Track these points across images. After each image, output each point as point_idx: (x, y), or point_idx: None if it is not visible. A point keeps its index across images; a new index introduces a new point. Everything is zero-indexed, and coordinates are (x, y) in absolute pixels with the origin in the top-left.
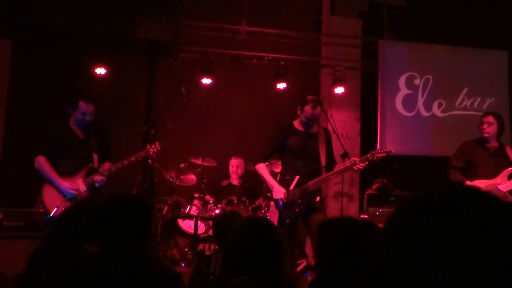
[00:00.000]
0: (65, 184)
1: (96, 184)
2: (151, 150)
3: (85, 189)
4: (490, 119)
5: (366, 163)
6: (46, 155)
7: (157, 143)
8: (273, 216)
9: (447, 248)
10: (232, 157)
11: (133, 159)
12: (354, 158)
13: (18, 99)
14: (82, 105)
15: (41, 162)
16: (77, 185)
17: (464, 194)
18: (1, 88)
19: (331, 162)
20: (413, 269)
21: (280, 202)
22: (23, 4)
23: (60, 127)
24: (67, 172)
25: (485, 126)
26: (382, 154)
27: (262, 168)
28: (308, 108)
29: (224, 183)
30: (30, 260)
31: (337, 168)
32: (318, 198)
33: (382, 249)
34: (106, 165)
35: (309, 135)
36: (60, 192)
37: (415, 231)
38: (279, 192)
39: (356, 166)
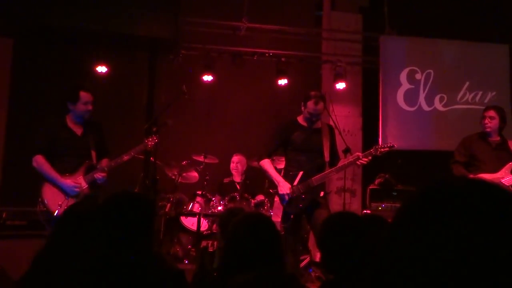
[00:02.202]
0: (68, 182)
1: (98, 182)
2: (149, 143)
3: (86, 187)
4: (492, 113)
5: (370, 158)
6: (44, 154)
7: (154, 136)
8: (277, 212)
9: (457, 242)
10: (234, 154)
11: (132, 154)
12: (357, 153)
13: (20, 98)
14: (83, 94)
15: (40, 161)
16: (79, 182)
17: (471, 186)
18: (2, 87)
19: (334, 158)
20: (422, 263)
21: (286, 197)
22: (24, 3)
23: (57, 125)
24: (66, 170)
25: (486, 121)
26: (385, 149)
27: (266, 164)
28: (310, 104)
29: (226, 180)
30: (34, 261)
31: (340, 163)
32: (322, 193)
33: (390, 243)
34: (104, 162)
35: (313, 131)
36: (62, 190)
37: (423, 225)
38: (285, 187)
39: (359, 161)
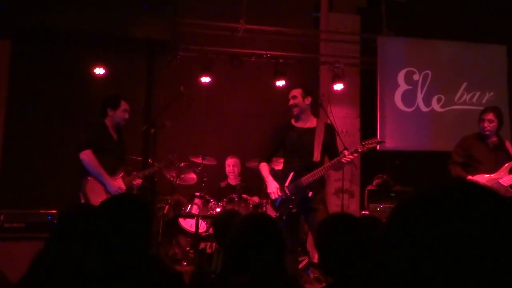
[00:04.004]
0: (114, 183)
1: (135, 187)
2: (175, 162)
3: (125, 189)
4: (491, 116)
5: (356, 154)
6: (92, 150)
7: (175, 154)
8: (271, 213)
9: (448, 245)
10: (228, 157)
11: (161, 166)
12: (344, 151)
13: (18, 100)
14: (123, 102)
15: (91, 156)
16: (121, 185)
17: (464, 189)
18: (0, 89)
19: (333, 158)
20: (413, 266)
21: (272, 196)
22: (21, 5)
23: (99, 127)
24: (106, 171)
25: (486, 124)
26: (372, 145)
27: (262, 167)
28: (289, 97)
29: (223, 184)
30: (33, 264)
31: (328, 162)
32: (310, 194)
33: (382, 246)
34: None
35: (306, 131)
36: (104, 188)
37: (416, 227)
38: (271, 186)
39: (344, 158)
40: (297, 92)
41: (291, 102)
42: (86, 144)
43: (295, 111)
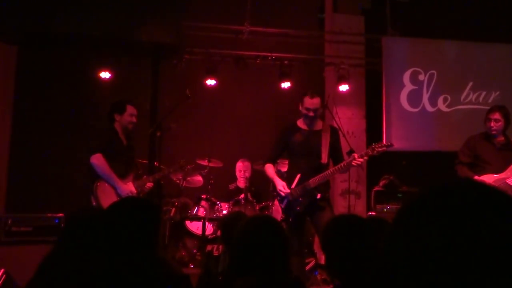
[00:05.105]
0: (125, 186)
1: (145, 190)
2: (184, 166)
3: (135, 192)
4: (497, 115)
5: (366, 158)
6: (103, 154)
7: (183, 160)
8: (276, 214)
9: (453, 245)
10: (239, 160)
11: (171, 171)
12: (354, 154)
13: (24, 104)
14: (129, 107)
15: (101, 159)
16: (132, 189)
17: (470, 190)
18: (7, 93)
19: (338, 159)
20: (418, 267)
21: (282, 194)
22: (27, 11)
23: (109, 132)
24: (117, 175)
25: (492, 124)
26: (382, 148)
27: (268, 168)
28: (306, 99)
29: (232, 186)
30: (40, 267)
31: (337, 165)
32: (319, 196)
33: (388, 248)
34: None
35: (312, 133)
36: (115, 191)
37: (422, 229)
38: (279, 184)
39: (354, 161)
40: (318, 102)
41: (316, 106)
42: (97, 148)
43: (314, 114)
